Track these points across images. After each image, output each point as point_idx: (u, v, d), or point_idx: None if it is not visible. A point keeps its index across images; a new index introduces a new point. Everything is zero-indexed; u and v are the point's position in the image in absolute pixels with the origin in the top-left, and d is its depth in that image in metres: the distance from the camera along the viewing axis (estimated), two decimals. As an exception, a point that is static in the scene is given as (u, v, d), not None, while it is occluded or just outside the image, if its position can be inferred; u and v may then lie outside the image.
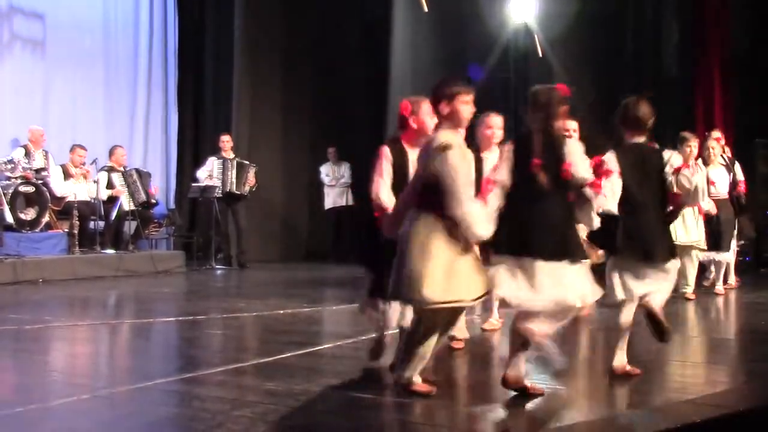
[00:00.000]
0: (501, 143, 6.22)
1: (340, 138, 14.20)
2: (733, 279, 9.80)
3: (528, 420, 4.22)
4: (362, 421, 4.06)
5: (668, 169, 4.97)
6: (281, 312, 7.81)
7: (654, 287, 4.91)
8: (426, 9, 12.86)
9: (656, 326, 4.91)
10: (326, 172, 14.60)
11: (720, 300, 8.92)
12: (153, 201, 12.84)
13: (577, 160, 4.48)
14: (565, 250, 4.41)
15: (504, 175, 4.51)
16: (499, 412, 4.30)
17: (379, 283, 4.80)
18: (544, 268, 4.36)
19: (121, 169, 12.48)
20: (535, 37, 12.99)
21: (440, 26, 13.56)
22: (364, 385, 4.86)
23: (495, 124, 6.30)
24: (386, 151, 4.97)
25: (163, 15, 14.87)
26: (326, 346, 5.90)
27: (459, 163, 4.28)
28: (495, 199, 4.43)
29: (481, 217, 4.27)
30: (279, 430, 3.89)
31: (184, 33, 15.12)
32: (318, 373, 5.13)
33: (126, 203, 12.23)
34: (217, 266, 12.87)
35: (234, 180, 12.99)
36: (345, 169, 14.53)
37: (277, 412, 4.14)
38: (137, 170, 12.75)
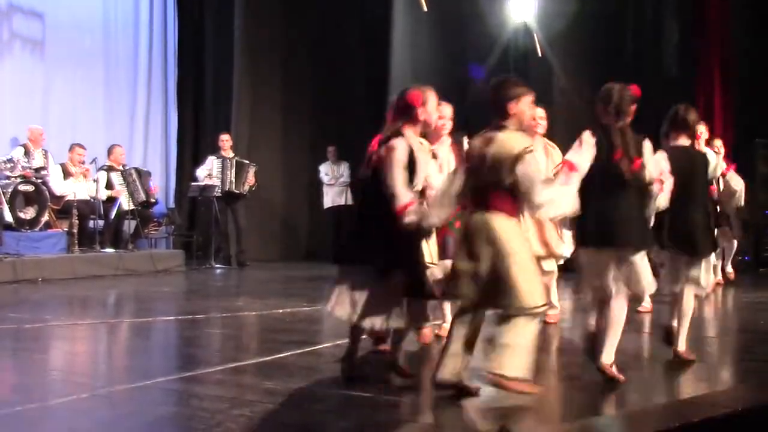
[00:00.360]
0: (450, 134, 6.21)
1: (340, 137, 14.18)
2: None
3: (525, 419, 4.22)
4: (360, 420, 4.07)
5: (714, 173, 5.67)
6: (280, 311, 7.81)
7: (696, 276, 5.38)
8: (426, 9, 12.86)
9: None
10: (325, 171, 14.59)
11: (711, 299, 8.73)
12: (152, 200, 12.84)
13: (648, 158, 4.75)
14: (645, 240, 4.78)
15: (587, 163, 4.57)
16: (492, 411, 4.30)
17: (417, 282, 4.66)
18: (636, 257, 4.67)
19: (121, 168, 12.48)
20: (535, 36, 12.98)
21: (440, 26, 13.56)
22: (362, 384, 4.86)
23: (446, 114, 6.08)
24: (400, 144, 4.66)
25: (163, 15, 14.88)
26: (325, 345, 5.90)
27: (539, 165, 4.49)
28: (575, 184, 4.49)
29: (562, 195, 4.40)
30: (277, 429, 3.91)
31: (184, 33, 15.12)
32: (317, 372, 5.14)
33: (125, 202, 12.23)
34: (217, 265, 12.87)
35: (233, 179, 12.99)
36: (344, 169, 14.52)
37: (275, 412, 4.15)
38: (136, 169, 12.75)
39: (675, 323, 5.46)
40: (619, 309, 4.78)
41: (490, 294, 4.26)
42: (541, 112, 6.77)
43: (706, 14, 13.72)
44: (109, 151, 12.63)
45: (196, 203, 14.31)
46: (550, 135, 7.13)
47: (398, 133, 4.71)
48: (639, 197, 4.76)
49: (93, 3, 13.91)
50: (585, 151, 4.59)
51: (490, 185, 4.35)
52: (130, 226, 12.50)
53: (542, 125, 6.91)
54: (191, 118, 15.29)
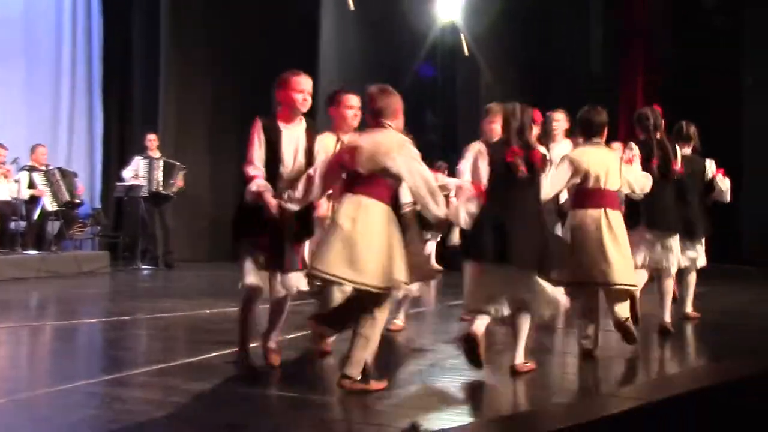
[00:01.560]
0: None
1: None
2: None
3: (439, 415, 4.26)
4: (286, 420, 4.06)
5: (709, 174, 7.24)
6: (208, 312, 7.74)
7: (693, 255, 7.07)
8: (353, 7, 12.87)
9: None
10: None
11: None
12: (77, 201, 12.59)
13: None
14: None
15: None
16: (414, 409, 4.33)
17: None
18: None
19: (43, 168, 12.23)
20: (462, 35, 13.09)
21: (367, 24, 13.59)
22: (289, 384, 4.86)
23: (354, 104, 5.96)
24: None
25: (87, 9, 14.52)
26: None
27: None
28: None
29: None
30: (200, 430, 3.87)
31: (109, 29, 14.82)
32: (242, 372, 5.09)
33: (49, 203, 11.98)
34: (144, 266, 12.69)
35: (161, 179, 12.80)
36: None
37: (199, 413, 4.12)
38: (60, 169, 12.49)
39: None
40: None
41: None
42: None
43: (631, 13, 14.02)
44: (32, 151, 12.35)
45: (122, 204, 14.07)
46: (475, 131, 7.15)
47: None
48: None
49: (14, -3, 13.57)
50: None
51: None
52: (53, 227, 12.25)
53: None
54: (117, 116, 15.03)
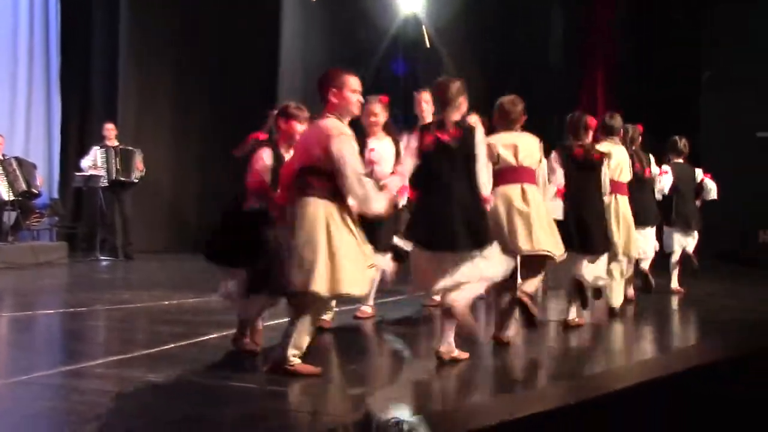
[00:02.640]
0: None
1: (229, 126, 14.01)
2: None
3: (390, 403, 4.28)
4: (244, 410, 4.06)
5: (698, 179, 8.99)
6: (166, 303, 7.70)
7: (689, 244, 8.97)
8: (314, -1, 12.84)
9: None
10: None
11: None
12: (34, 191, 12.42)
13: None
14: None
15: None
16: (373, 397, 4.36)
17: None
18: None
19: (0, 157, 12.06)
20: (424, 27, 13.11)
21: (330, 17, 13.59)
22: (248, 374, 4.85)
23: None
24: None
25: (45, -1, 14.37)
26: (211, 336, 5.86)
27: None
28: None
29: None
30: (159, 422, 3.85)
31: (67, 17, 14.61)
32: (202, 363, 5.10)
33: (5, 192, 11.82)
34: (102, 257, 12.57)
35: (120, 167, 12.68)
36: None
37: (157, 404, 4.10)
38: (17, 158, 12.32)
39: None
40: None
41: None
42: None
43: (592, 9, 14.13)
44: (-12, 140, 12.18)
45: (80, 194, 13.94)
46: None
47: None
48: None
49: (-32, -15, 13.35)
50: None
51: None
52: (10, 217, 12.09)
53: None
54: (76, 106, 14.82)
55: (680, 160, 8.89)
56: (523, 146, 5.78)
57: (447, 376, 4.89)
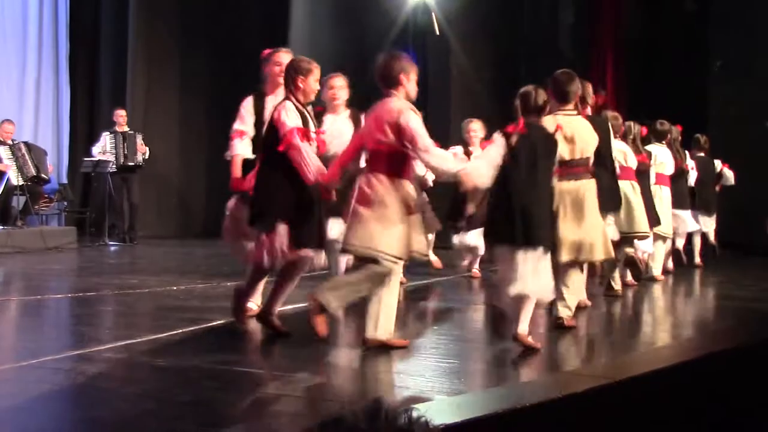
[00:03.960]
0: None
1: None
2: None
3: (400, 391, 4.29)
4: (253, 395, 4.07)
5: (717, 169, 10.50)
6: (174, 288, 7.72)
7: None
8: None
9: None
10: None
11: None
12: (44, 176, 12.44)
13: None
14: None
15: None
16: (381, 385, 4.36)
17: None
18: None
19: (9, 142, 12.08)
20: (433, 15, 13.07)
21: (339, 3, 13.53)
22: (256, 359, 4.86)
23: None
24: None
25: (54, -16, 14.36)
26: (218, 322, 5.86)
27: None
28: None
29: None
30: (167, 406, 3.86)
31: (76, 2, 14.61)
32: (209, 349, 5.11)
33: (14, 177, 11.85)
34: (111, 242, 12.60)
35: (127, 152, 12.70)
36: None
37: (165, 389, 4.11)
38: (26, 143, 12.35)
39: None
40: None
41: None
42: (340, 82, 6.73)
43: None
44: (-2, 126, 12.20)
45: (89, 179, 13.96)
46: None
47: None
48: None
49: (-23, -29, 13.34)
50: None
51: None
52: (19, 202, 12.12)
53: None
54: (86, 91, 14.85)
55: (702, 154, 10.38)
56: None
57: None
